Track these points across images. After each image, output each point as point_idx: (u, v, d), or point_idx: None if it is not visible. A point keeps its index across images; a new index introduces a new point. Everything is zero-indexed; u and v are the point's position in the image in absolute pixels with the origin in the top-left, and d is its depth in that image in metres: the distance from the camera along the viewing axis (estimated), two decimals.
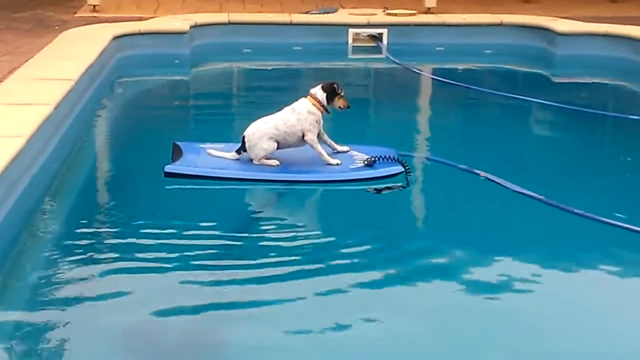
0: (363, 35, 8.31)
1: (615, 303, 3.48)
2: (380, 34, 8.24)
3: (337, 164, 4.68)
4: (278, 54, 8.00)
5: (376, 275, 3.60)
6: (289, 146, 4.74)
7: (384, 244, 3.93)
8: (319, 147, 4.72)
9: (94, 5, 8.92)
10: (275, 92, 7.10)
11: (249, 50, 8.04)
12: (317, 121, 4.69)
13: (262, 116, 4.77)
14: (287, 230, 4.05)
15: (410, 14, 8.53)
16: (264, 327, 3.21)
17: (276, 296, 3.40)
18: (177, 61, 7.60)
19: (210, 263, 3.68)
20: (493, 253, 3.86)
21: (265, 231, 4.06)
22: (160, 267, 3.63)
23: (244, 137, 4.71)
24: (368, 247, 3.86)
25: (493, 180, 4.57)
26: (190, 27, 7.91)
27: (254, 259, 3.69)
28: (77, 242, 3.85)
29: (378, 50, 8.12)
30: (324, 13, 8.76)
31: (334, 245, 3.91)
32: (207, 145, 4.87)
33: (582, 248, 3.94)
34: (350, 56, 8.17)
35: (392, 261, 3.74)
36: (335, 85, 4.74)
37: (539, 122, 6.43)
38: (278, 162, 4.69)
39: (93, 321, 3.22)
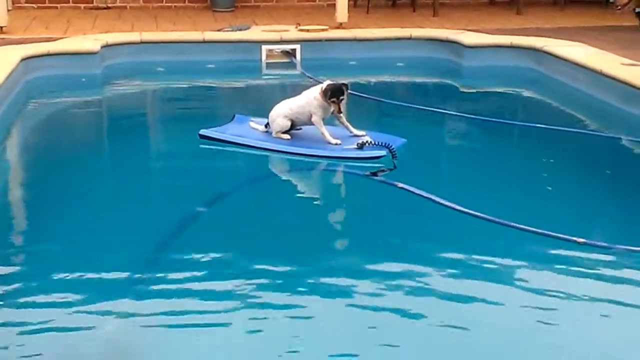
0: (276, 52, 8.37)
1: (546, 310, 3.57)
2: (294, 50, 8.32)
3: (337, 144, 5.39)
4: (191, 72, 7.97)
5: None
6: (303, 124, 5.58)
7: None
8: (322, 128, 5.46)
9: (1, 27, 8.72)
10: (189, 110, 7.09)
11: (161, 69, 7.99)
12: (321, 106, 5.40)
13: (284, 99, 5.65)
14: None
15: (323, 30, 8.63)
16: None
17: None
18: (83, 79, 7.49)
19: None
20: (406, 262, 3.95)
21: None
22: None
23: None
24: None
25: (410, 191, 4.69)
26: (102, 47, 7.82)
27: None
28: None
29: (292, 65, 8.19)
30: (236, 30, 8.79)
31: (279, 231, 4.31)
32: (256, 119, 5.85)
33: (497, 254, 4.07)
34: (264, 72, 8.22)
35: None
36: (334, 89, 5.35)
37: (450, 132, 6.61)
38: (289, 137, 5.55)
39: None
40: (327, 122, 5.58)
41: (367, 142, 5.36)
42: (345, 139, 5.50)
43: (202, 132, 5.68)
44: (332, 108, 5.45)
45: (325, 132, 5.48)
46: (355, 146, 5.36)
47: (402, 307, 3.53)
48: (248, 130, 5.77)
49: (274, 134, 5.60)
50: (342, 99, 5.40)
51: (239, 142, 5.59)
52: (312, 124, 5.52)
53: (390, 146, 5.28)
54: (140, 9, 10.84)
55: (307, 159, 5.38)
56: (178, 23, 9.72)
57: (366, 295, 3.62)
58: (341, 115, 5.52)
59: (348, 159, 5.31)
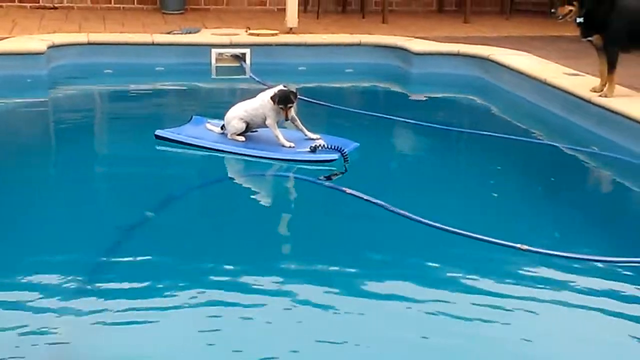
0: (226, 56, 8.37)
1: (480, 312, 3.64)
2: (244, 54, 8.33)
3: (290, 147, 5.49)
4: (140, 74, 7.92)
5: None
6: (258, 126, 5.67)
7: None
8: (276, 131, 5.56)
9: None
10: (138, 112, 7.04)
11: (110, 71, 7.91)
12: (274, 110, 5.49)
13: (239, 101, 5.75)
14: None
15: (273, 34, 8.66)
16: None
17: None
18: (29, 80, 7.38)
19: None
20: (349, 267, 4.01)
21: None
22: None
23: None
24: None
25: (357, 196, 4.74)
26: (48, 48, 7.72)
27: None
28: None
29: (241, 70, 8.19)
30: (186, 33, 8.76)
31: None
32: (213, 121, 5.91)
33: (441, 260, 4.13)
34: (213, 76, 8.21)
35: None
36: (282, 96, 5.43)
37: (397, 139, 6.69)
38: (244, 139, 5.65)
39: None
40: (282, 125, 5.64)
41: (319, 145, 5.44)
42: (299, 142, 5.57)
43: (158, 132, 5.72)
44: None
45: (279, 134, 5.56)
46: (309, 149, 5.44)
47: (344, 308, 3.58)
48: (204, 131, 5.83)
49: (229, 136, 5.68)
50: (290, 107, 5.49)
51: (194, 144, 5.63)
52: (267, 126, 5.59)
53: (343, 150, 5.38)
54: (88, 10, 10.71)
55: (260, 161, 5.43)
56: (127, 24, 9.64)
57: (308, 296, 3.66)
58: (296, 118, 5.60)
59: (301, 161, 5.39)
